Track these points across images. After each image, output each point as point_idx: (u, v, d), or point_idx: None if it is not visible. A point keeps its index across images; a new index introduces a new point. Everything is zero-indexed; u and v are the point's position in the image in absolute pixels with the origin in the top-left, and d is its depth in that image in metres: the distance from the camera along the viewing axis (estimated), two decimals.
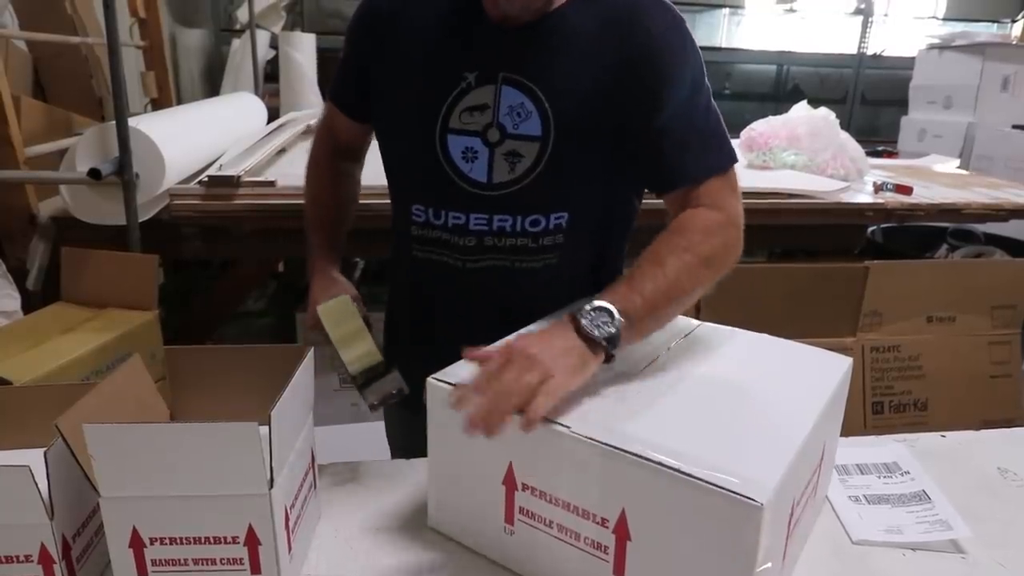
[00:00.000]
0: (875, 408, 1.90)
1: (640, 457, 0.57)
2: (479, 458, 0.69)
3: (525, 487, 0.66)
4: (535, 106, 0.84)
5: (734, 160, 0.88)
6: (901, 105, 4.38)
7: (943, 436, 1.02)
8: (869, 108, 5.35)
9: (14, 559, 0.62)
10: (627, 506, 0.59)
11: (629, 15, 0.83)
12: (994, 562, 0.75)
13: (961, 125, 3.77)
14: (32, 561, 0.62)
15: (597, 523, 0.61)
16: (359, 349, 0.88)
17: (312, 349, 0.75)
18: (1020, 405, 1.94)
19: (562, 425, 0.62)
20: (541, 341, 0.67)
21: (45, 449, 0.60)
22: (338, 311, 0.89)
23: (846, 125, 2.62)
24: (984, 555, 0.76)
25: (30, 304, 1.58)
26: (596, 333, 0.68)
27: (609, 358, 0.70)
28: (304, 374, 0.72)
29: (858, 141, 2.38)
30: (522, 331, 0.78)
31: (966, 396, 1.90)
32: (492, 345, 0.71)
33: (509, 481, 0.67)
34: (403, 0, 0.90)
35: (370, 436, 1.78)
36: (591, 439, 0.60)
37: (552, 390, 0.63)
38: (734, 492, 0.54)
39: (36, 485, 0.59)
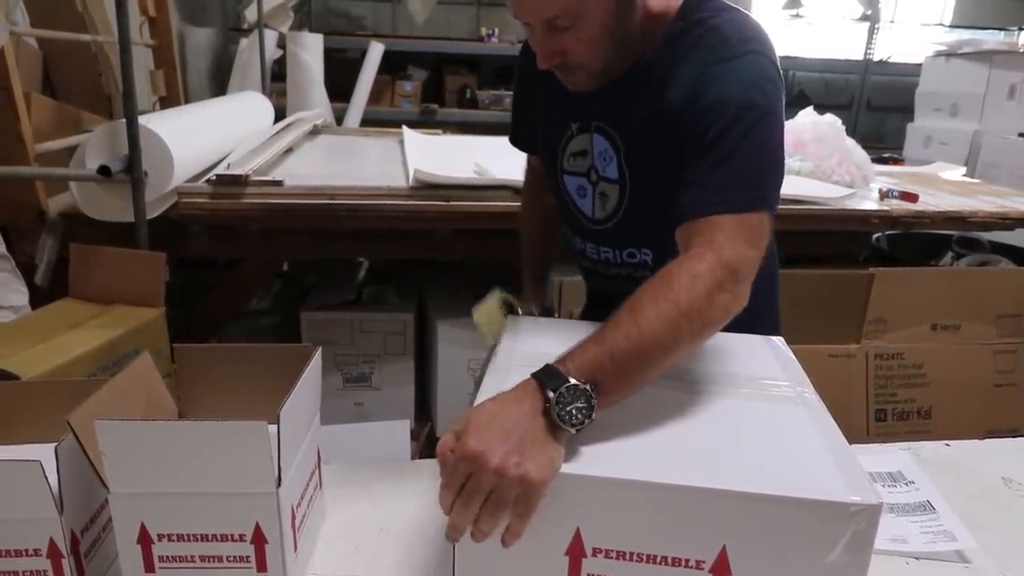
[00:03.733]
0: (878, 415, 1.90)
1: (745, 493, 0.56)
2: (531, 532, 0.60)
3: (596, 551, 0.61)
4: (615, 152, 0.91)
5: (757, 204, 0.76)
6: (907, 112, 4.37)
7: (947, 445, 1.02)
8: (875, 114, 5.35)
9: (23, 553, 0.62)
10: (728, 543, 0.58)
11: (693, 50, 0.81)
12: (998, 572, 0.75)
13: (967, 133, 3.76)
14: (41, 555, 0.62)
15: (690, 567, 0.59)
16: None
17: (319, 349, 0.75)
18: (1023, 414, 1.93)
19: (641, 479, 0.59)
20: (502, 435, 0.58)
21: (56, 444, 0.60)
22: (487, 311, 1.07)
23: (852, 131, 2.61)
24: (988, 564, 0.76)
25: (38, 300, 1.58)
26: (567, 422, 0.60)
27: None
28: (311, 374, 0.72)
29: (864, 147, 2.37)
30: (480, 404, 0.63)
31: (970, 405, 1.90)
32: (448, 433, 0.61)
33: (575, 550, 0.61)
34: None
35: (374, 436, 1.78)
36: (689, 486, 0.57)
37: (530, 506, 0.57)
38: (849, 503, 0.55)
39: (46, 480, 0.60)
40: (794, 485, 0.57)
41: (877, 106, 5.31)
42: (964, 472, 0.94)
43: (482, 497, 0.56)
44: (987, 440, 1.03)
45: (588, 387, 0.61)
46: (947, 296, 1.91)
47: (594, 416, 0.61)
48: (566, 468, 0.58)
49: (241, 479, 0.61)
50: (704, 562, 0.58)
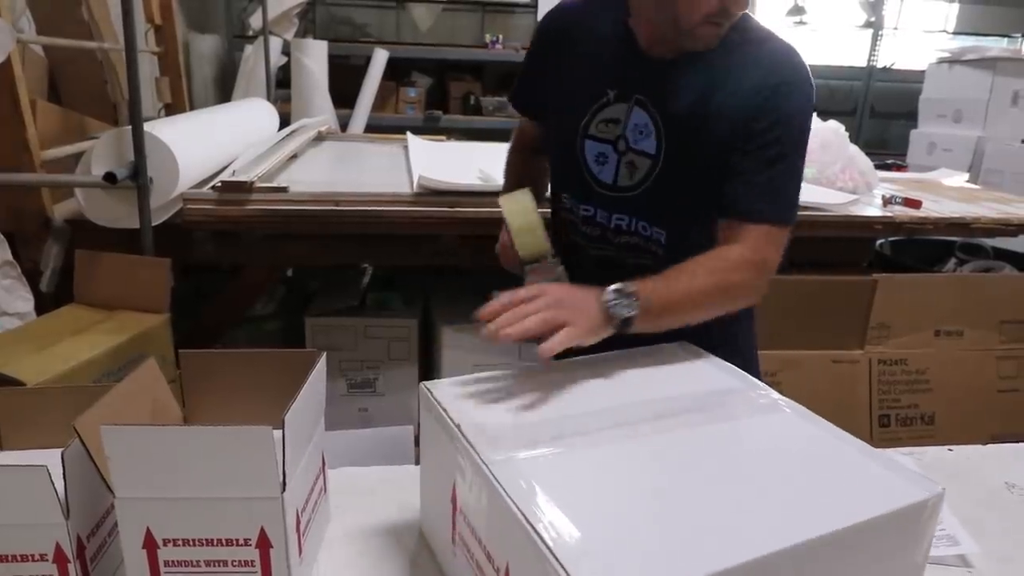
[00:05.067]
0: (882, 421, 1.90)
1: (524, 522, 0.53)
2: (445, 470, 0.67)
3: (461, 511, 0.64)
4: (654, 129, 0.96)
5: (787, 221, 0.95)
6: (911, 118, 4.38)
7: (950, 450, 1.02)
8: (879, 121, 5.35)
9: (29, 558, 0.63)
10: (510, 560, 0.56)
11: (763, 70, 0.92)
12: None
13: (971, 139, 3.76)
14: (47, 560, 0.63)
15: (495, 569, 0.58)
16: (530, 238, 0.95)
17: (324, 354, 0.76)
18: None
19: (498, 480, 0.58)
20: (572, 294, 0.83)
21: (62, 450, 0.61)
22: (517, 201, 0.97)
23: (855, 138, 2.61)
24: (991, 569, 0.76)
25: (43, 306, 1.59)
26: (614, 312, 0.81)
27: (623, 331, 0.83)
28: (316, 379, 0.72)
29: (867, 154, 2.38)
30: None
31: (974, 410, 1.90)
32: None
33: (454, 500, 0.66)
34: (580, 16, 1.04)
35: (379, 441, 1.79)
36: (508, 493, 0.56)
37: (571, 335, 0.77)
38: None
39: (53, 485, 0.60)
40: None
41: (881, 113, 5.31)
42: (967, 477, 0.94)
43: (531, 307, 0.77)
44: (990, 445, 1.03)
45: (638, 292, 0.82)
46: (950, 302, 1.91)
47: (635, 317, 0.81)
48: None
49: (246, 484, 0.61)
50: (501, 570, 0.57)
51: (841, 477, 0.61)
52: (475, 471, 0.61)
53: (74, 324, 1.42)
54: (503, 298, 0.79)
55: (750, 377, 0.80)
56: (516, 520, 0.54)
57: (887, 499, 0.57)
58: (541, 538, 0.51)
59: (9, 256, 1.56)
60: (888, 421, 1.89)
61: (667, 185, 0.97)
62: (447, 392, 0.72)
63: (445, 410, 0.68)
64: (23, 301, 1.57)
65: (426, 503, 0.78)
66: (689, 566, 0.49)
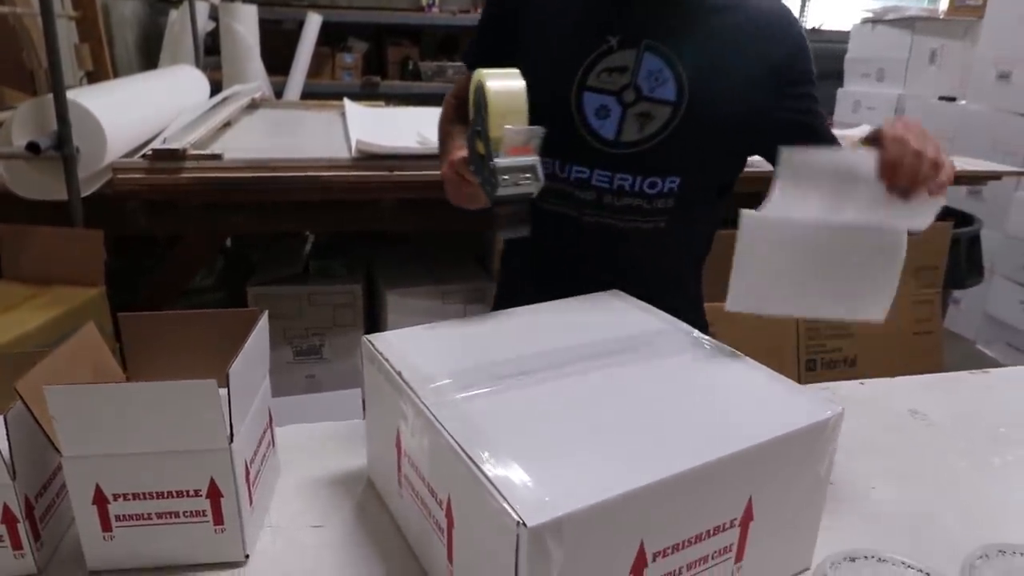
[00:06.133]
0: (808, 365, 2.01)
1: (463, 454, 0.56)
2: (389, 417, 0.70)
3: (405, 454, 0.68)
4: (672, 73, 0.91)
5: None
6: (838, 77, 4.53)
7: (862, 383, 1.10)
8: None
9: None
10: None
11: (777, 16, 0.95)
12: (899, 494, 0.83)
13: (892, 97, 3.92)
14: None
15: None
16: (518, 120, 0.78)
17: (266, 312, 0.77)
18: (941, 360, 2.08)
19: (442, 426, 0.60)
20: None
21: (4, 413, 0.61)
22: (505, 75, 0.79)
23: None
24: (891, 486, 0.84)
25: None
26: None
27: None
28: (259, 335, 0.74)
29: None
30: None
31: (892, 352, 2.03)
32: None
33: (398, 444, 0.69)
34: None
35: (327, 405, 1.80)
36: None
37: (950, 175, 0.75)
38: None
39: None
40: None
41: None
42: (876, 406, 1.02)
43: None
44: (898, 377, 1.12)
45: None
46: None
47: None
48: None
49: (194, 437, 0.63)
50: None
51: (753, 402, 0.67)
52: (417, 414, 0.64)
53: (4, 300, 1.39)
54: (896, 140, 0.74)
55: (677, 320, 0.84)
56: (455, 453, 0.57)
57: (793, 419, 0.63)
58: (479, 468, 0.55)
59: None
60: (814, 365, 2.01)
61: (687, 134, 0.92)
62: (388, 343, 0.75)
63: (387, 359, 0.71)
64: None
65: (372, 451, 0.81)
66: (613, 484, 0.53)
